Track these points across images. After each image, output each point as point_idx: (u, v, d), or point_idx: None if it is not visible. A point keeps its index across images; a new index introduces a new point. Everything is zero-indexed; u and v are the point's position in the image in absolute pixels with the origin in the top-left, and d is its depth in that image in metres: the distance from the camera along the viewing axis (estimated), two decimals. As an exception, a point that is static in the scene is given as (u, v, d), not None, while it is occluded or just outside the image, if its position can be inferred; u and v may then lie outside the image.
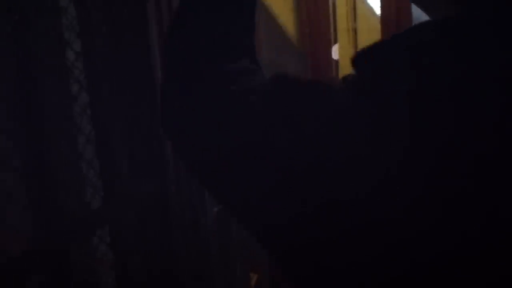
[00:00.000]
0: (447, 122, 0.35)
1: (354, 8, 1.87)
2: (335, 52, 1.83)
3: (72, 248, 0.90)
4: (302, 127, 0.38)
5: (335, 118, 0.38)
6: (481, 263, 0.35)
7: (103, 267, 1.03)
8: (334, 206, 0.37)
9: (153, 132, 1.05)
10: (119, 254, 1.02)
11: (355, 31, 1.86)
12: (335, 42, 1.85)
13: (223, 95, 0.44)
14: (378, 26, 1.71)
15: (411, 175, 0.35)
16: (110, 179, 0.98)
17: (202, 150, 0.45)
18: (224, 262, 1.28)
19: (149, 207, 1.07)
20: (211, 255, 1.20)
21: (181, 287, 1.12)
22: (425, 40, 0.36)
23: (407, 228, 0.36)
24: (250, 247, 1.36)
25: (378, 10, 1.73)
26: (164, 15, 1.04)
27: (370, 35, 1.80)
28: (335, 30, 1.84)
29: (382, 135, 0.36)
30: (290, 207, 0.38)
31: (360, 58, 0.40)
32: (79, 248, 0.93)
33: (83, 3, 0.93)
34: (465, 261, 0.35)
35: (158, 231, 1.08)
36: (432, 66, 0.35)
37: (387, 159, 0.36)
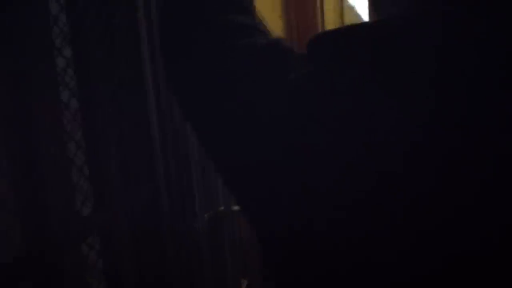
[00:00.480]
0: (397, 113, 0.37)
1: (342, 15, 1.89)
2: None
3: (62, 255, 0.89)
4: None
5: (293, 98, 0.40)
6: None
7: (94, 274, 1.02)
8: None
9: (144, 138, 1.05)
10: (110, 261, 1.01)
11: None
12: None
13: (231, 49, 0.44)
14: (365, 33, 1.73)
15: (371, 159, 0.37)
16: (101, 186, 0.98)
17: (204, 102, 0.45)
18: (216, 268, 1.27)
19: (140, 213, 1.07)
20: (202, 261, 1.20)
21: (172, 293, 1.12)
22: (379, 35, 0.39)
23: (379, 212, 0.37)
24: (242, 253, 1.36)
25: (366, 17, 1.76)
26: (154, 25, 1.04)
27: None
28: (323, 36, 1.86)
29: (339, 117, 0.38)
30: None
31: (321, 42, 0.42)
32: (69, 256, 0.92)
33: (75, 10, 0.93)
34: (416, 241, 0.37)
35: (149, 238, 1.08)
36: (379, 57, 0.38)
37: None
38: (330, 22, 1.87)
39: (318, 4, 1.77)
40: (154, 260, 1.09)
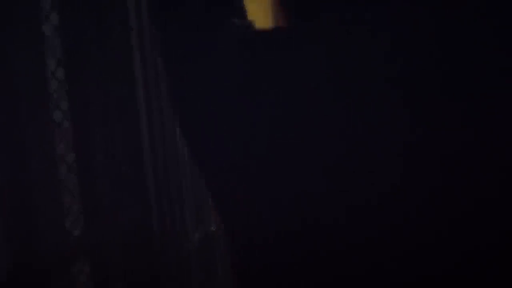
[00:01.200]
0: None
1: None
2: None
3: (50, 278, 0.88)
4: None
5: None
6: None
7: None
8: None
9: (136, 159, 1.05)
10: (100, 283, 1.00)
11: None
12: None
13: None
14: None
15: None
16: (91, 206, 0.97)
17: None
18: (207, 280, 1.27)
19: (131, 233, 1.06)
20: (193, 282, 1.19)
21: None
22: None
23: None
24: (233, 272, 1.35)
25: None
26: (146, 47, 1.05)
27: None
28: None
29: None
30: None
31: None
32: (57, 278, 0.91)
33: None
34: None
35: (139, 258, 1.07)
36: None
37: None
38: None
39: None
40: (145, 280, 1.08)
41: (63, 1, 0.92)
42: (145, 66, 1.07)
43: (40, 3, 0.89)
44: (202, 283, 1.23)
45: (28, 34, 0.87)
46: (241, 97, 0.44)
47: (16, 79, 0.85)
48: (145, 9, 1.04)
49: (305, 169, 0.42)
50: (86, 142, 0.96)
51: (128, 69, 1.02)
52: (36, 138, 0.88)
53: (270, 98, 0.43)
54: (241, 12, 0.47)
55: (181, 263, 1.16)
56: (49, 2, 0.90)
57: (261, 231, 0.45)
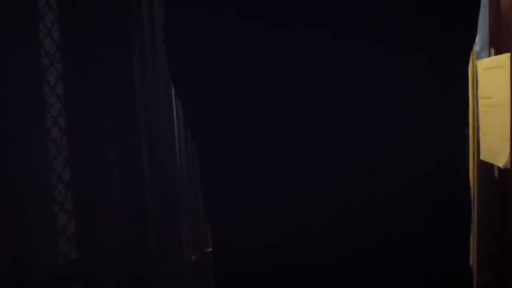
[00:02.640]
0: None
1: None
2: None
3: None
4: None
5: None
6: None
7: None
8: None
9: (134, 178, 1.04)
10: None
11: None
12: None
13: None
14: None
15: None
16: (87, 227, 0.95)
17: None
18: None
19: (126, 253, 1.04)
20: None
21: None
22: None
23: None
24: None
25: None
26: (148, 64, 1.04)
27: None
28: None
29: None
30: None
31: None
32: None
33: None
34: None
35: (136, 279, 1.05)
36: None
37: None
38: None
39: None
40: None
41: (64, 17, 0.92)
42: (145, 82, 1.06)
43: (42, 19, 0.88)
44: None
45: (29, 50, 0.86)
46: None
47: (15, 93, 0.84)
48: (147, 29, 1.03)
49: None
50: (83, 160, 0.95)
51: (129, 88, 1.01)
52: (32, 155, 0.86)
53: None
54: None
55: (176, 283, 1.14)
56: (50, 18, 0.90)
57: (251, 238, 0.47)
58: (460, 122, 0.50)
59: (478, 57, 1.46)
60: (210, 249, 1.24)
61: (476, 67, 1.45)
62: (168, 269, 1.13)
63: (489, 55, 1.40)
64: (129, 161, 1.03)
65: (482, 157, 1.42)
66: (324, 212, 0.45)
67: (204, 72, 0.47)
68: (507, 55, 1.24)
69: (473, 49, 1.48)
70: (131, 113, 1.02)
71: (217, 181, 0.50)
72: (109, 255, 1.00)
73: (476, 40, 1.53)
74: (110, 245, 1.01)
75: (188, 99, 0.51)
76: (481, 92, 1.42)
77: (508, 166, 1.25)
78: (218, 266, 0.53)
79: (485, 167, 1.42)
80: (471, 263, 1.52)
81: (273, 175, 0.46)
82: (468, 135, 1.48)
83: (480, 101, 1.42)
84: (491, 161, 1.36)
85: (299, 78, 0.44)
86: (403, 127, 0.45)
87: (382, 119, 0.44)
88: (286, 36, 0.44)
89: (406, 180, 0.45)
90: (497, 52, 1.34)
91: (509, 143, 1.22)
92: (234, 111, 0.46)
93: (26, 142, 0.85)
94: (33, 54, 0.88)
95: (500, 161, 1.29)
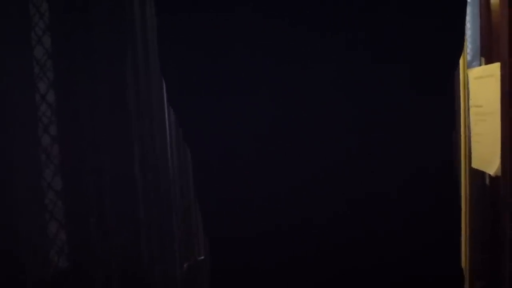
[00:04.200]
0: None
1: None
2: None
3: None
4: None
5: None
6: None
7: None
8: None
9: (126, 186, 1.03)
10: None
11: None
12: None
13: None
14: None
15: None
16: (78, 235, 0.94)
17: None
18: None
19: (119, 261, 1.03)
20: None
21: None
22: None
23: None
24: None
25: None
26: (140, 68, 1.04)
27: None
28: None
29: None
30: None
31: None
32: None
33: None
34: None
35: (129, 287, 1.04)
36: None
37: None
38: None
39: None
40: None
41: (55, 25, 0.92)
42: (138, 89, 1.06)
43: (33, 27, 0.88)
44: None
45: (20, 57, 0.86)
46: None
47: (5, 101, 0.83)
48: (140, 36, 1.03)
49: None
50: (74, 168, 0.94)
51: (121, 95, 1.01)
52: (23, 163, 0.86)
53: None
54: None
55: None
56: (41, 26, 0.89)
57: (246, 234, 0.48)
58: (446, 125, 0.51)
59: (470, 66, 1.48)
60: (202, 257, 1.23)
61: (467, 76, 1.46)
62: (160, 277, 1.12)
63: (480, 65, 1.41)
64: (122, 168, 1.02)
65: (473, 165, 1.43)
66: (313, 209, 0.46)
67: (197, 75, 0.48)
68: (497, 64, 1.25)
69: (465, 58, 1.49)
70: (124, 120, 1.01)
71: (210, 179, 0.51)
72: (100, 264, 0.99)
73: (468, 50, 1.55)
74: (101, 254, 1.00)
75: (181, 104, 0.52)
76: (472, 101, 1.43)
77: (499, 174, 1.26)
78: (213, 262, 0.54)
79: (477, 175, 1.43)
80: (464, 269, 1.52)
81: (264, 173, 0.47)
82: (459, 141, 1.49)
83: (472, 110, 1.43)
84: (483, 169, 1.37)
85: (289, 81, 0.45)
86: (389, 130, 0.46)
87: (369, 122, 0.45)
88: (279, 41, 0.44)
89: (394, 181, 0.46)
90: (488, 62, 1.35)
91: (499, 151, 1.23)
92: (226, 114, 0.47)
93: (17, 150, 0.85)
94: (24, 62, 0.88)
95: (491, 169, 1.30)
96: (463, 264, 1.52)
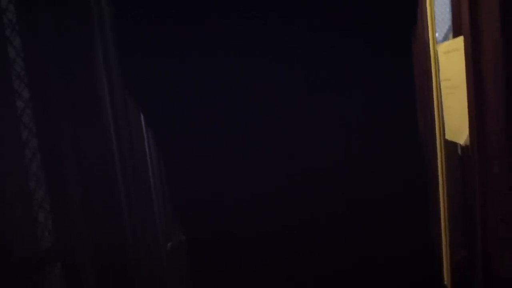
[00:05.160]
0: None
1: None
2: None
3: (22, 284, 0.89)
4: None
5: None
6: None
7: None
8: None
9: (106, 168, 1.08)
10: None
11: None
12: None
13: None
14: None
15: None
16: (61, 214, 0.99)
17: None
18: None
19: (101, 243, 1.08)
20: (167, 285, 1.21)
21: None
22: None
23: None
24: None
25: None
26: (113, 62, 1.09)
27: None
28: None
29: None
30: None
31: None
32: (29, 284, 0.91)
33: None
34: None
35: (113, 265, 1.09)
36: None
37: None
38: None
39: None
40: (119, 285, 1.09)
41: (25, 26, 0.95)
42: (113, 91, 1.10)
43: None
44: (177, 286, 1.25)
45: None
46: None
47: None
48: (109, 32, 1.08)
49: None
50: (54, 145, 0.98)
51: (93, 89, 1.06)
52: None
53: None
54: None
55: (152, 272, 1.18)
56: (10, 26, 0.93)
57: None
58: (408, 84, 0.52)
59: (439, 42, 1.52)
60: (184, 237, 1.28)
61: (437, 51, 1.50)
62: (145, 257, 1.17)
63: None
64: (102, 152, 1.07)
65: (447, 136, 1.47)
66: (288, 211, 0.47)
67: (159, 70, 0.48)
68: (461, 38, 1.29)
69: (433, 34, 1.53)
70: (99, 110, 1.06)
71: (181, 176, 0.51)
72: (85, 242, 1.04)
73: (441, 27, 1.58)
74: (86, 233, 1.05)
75: (143, 99, 0.51)
76: (442, 75, 1.47)
77: (468, 143, 1.30)
78: (190, 258, 0.54)
79: (450, 146, 1.47)
80: (443, 241, 1.56)
81: (236, 170, 0.47)
82: (433, 116, 1.53)
83: (442, 84, 1.47)
84: (454, 140, 1.41)
85: (265, 77, 0.45)
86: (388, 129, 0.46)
87: (360, 119, 0.46)
88: (252, 35, 0.45)
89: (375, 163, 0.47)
90: (455, 36, 1.39)
91: (467, 121, 1.27)
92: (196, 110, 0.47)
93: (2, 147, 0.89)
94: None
95: (461, 139, 1.34)
96: (443, 236, 1.55)
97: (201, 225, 0.51)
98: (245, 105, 0.46)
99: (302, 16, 0.45)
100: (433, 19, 1.48)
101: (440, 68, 1.48)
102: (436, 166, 1.51)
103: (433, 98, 1.53)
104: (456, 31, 1.40)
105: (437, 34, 1.53)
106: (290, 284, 0.48)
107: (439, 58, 1.48)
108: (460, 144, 1.39)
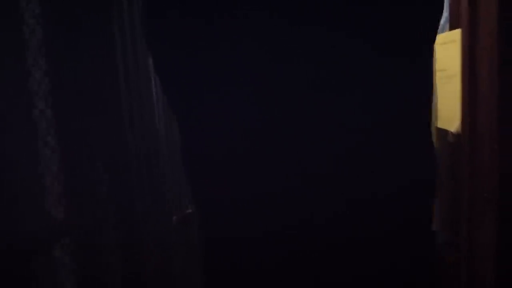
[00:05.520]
0: None
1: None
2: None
3: (32, 259, 0.91)
4: None
5: None
6: None
7: (66, 278, 1.04)
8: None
9: (119, 143, 1.10)
10: (82, 264, 1.04)
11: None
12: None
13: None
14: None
15: None
16: (72, 187, 1.02)
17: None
18: (186, 267, 1.33)
19: (113, 214, 1.11)
20: (175, 257, 1.25)
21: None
22: None
23: None
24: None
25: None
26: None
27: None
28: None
29: None
30: None
31: None
32: (40, 259, 0.94)
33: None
34: None
35: (123, 239, 1.12)
36: None
37: None
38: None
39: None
40: (128, 258, 1.12)
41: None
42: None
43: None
44: (183, 258, 1.29)
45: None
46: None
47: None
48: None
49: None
50: (67, 129, 1.01)
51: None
52: (19, 123, 0.91)
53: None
54: None
55: (162, 241, 1.22)
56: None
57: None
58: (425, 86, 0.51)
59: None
60: (189, 211, 1.32)
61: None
62: (153, 230, 1.20)
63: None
64: (114, 127, 1.09)
65: (439, 124, 1.54)
66: (300, 207, 0.46)
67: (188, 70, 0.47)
68: (458, 30, 1.35)
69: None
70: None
71: (206, 179, 0.50)
72: (96, 215, 1.07)
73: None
74: (97, 207, 1.08)
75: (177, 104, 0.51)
76: (438, 65, 1.53)
77: (459, 131, 1.37)
78: (208, 254, 0.54)
79: (442, 134, 1.54)
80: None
81: (254, 173, 0.46)
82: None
83: (437, 74, 1.53)
84: (446, 128, 1.48)
85: (266, 77, 0.45)
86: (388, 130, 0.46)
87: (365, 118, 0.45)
88: (265, 35, 0.44)
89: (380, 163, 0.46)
90: (452, 28, 1.45)
91: (460, 110, 1.34)
92: (217, 111, 0.46)
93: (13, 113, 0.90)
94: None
95: (453, 127, 1.41)
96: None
97: (201, 225, 0.52)
98: (245, 105, 0.45)
99: (303, 16, 0.44)
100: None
101: (436, 58, 1.53)
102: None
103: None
104: (452, 22, 1.46)
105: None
106: (290, 284, 0.48)
107: (436, 49, 1.53)
108: (451, 132, 1.46)
